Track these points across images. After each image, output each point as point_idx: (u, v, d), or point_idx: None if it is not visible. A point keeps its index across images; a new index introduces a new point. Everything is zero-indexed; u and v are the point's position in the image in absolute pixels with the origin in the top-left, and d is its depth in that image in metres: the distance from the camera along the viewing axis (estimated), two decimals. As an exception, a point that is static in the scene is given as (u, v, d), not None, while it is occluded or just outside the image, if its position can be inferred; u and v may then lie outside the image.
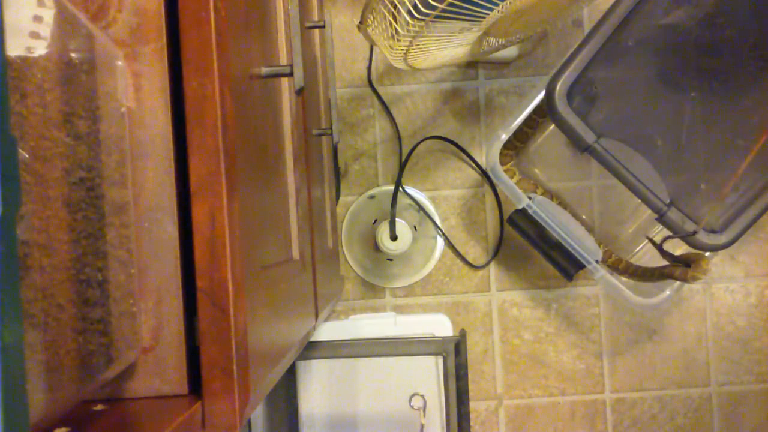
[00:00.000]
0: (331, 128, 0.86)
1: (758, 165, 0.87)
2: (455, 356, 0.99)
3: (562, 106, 0.85)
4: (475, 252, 1.19)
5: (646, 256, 1.11)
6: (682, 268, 0.93)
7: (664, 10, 0.86)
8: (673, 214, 0.86)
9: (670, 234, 0.87)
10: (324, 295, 0.79)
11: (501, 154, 1.03)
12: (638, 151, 0.86)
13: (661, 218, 0.86)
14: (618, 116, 0.88)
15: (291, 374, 1.03)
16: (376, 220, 1.18)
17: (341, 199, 1.19)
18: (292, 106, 0.63)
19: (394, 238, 1.12)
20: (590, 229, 1.10)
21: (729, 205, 0.87)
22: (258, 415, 1.08)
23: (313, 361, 1.02)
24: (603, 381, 1.19)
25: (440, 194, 1.19)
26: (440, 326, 1.09)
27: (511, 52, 1.14)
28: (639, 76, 0.89)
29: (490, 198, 1.19)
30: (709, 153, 0.88)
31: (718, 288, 1.19)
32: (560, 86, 0.85)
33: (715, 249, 0.87)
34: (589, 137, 0.85)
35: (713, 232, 0.87)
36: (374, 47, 1.16)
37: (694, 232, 0.85)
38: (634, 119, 0.88)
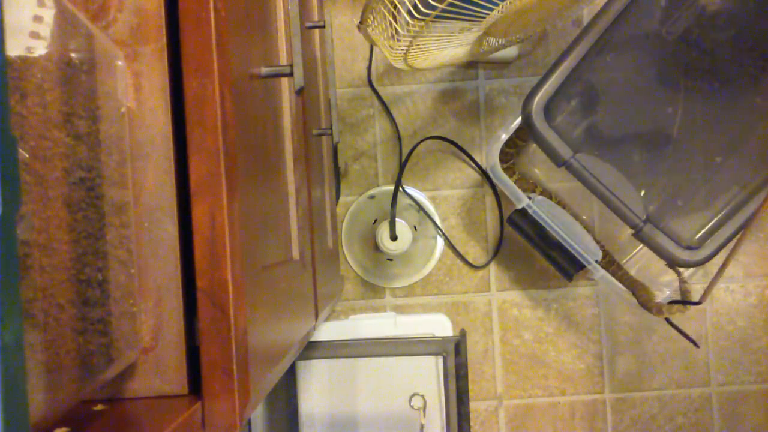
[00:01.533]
0: (331, 128, 0.86)
1: (734, 181, 0.87)
2: (455, 356, 0.99)
3: (539, 121, 0.85)
4: (475, 252, 1.19)
5: (641, 261, 1.11)
6: (649, 294, 0.94)
7: (643, 24, 0.87)
8: (649, 230, 0.86)
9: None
10: (324, 295, 0.79)
11: (502, 152, 1.03)
12: (616, 166, 0.86)
13: (638, 234, 0.86)
14: (596, 131, 0.88)
15: (291, 374, 1.03)
16: (376, 220, 1.17)
17: (341, 199, 1.19)
18: (292, 106, 0.63)
19: (394, 238, 1.12)
20: (590, 229, 1.10)
21: (705, 221, 0.87)
22: (258, 415, 1.08)
23: (313, 361, 1.02)
24: (603, 381, 1.19)
25: (440, 194, 1.19)
26: (440, 326, 1.09)
27: (511, 52, 1.14)
28: (617, 93, 0.89)
29: (490, 198, 1.19)
30: (686, 169, 0.89)
31: (718, 288, 1.19)
32: (537, 102, 0.85)
33: (691, 265, 0.87)
34: (565, 152, 0.85)
35: (690, 248, 0.87)
36: (374, 47, 1.16)
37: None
38: (612, 134, 0.89)
